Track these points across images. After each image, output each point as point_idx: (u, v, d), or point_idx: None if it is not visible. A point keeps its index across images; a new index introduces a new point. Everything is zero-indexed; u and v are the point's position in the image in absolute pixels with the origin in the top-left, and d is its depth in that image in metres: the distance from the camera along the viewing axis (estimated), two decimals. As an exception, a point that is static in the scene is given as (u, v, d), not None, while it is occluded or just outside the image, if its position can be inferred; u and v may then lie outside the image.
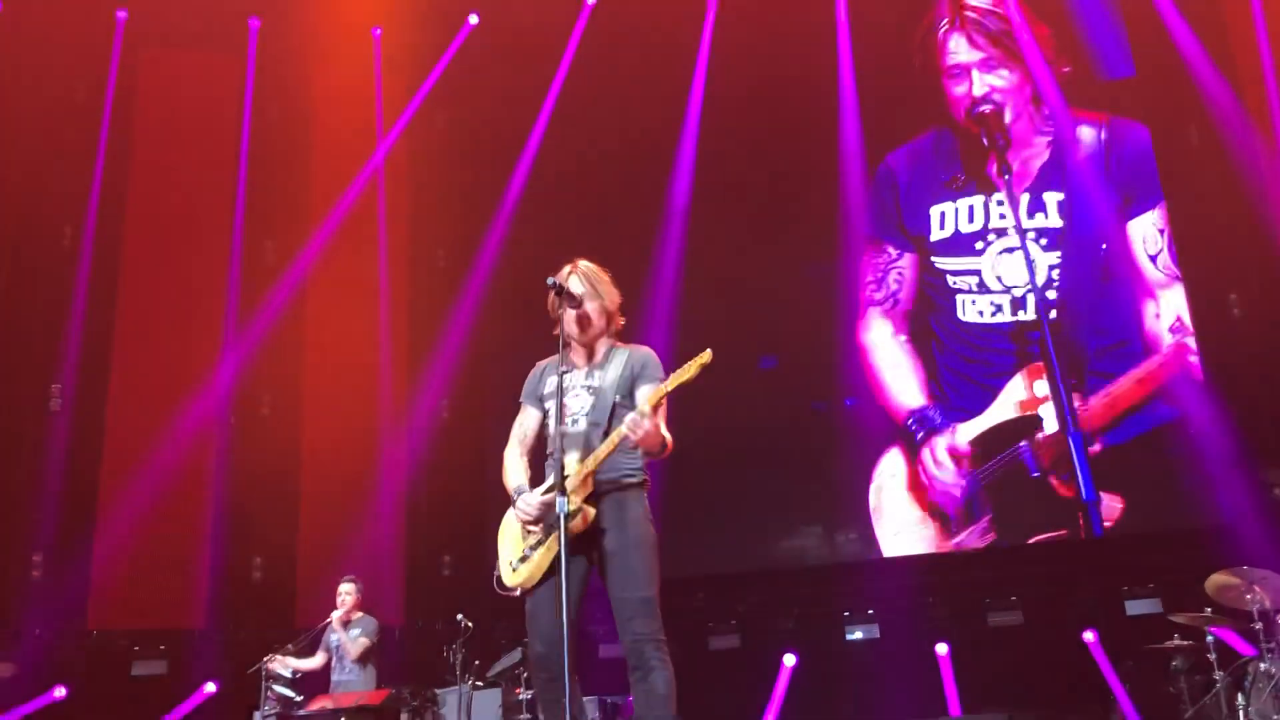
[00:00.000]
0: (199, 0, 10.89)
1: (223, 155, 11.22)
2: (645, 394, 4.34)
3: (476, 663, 8.47)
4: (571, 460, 4.27)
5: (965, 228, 10.09)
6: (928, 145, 10.53)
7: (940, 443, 9.70)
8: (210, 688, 9.91)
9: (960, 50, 10.41)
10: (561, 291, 4.39)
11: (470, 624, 8.40)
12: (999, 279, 9.89)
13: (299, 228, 11.25)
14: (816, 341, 10.23)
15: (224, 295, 10.97)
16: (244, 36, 11.25)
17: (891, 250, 10.38)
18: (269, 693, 7.97)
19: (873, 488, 9.92)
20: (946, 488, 9.58)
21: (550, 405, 4.43)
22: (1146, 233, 9.65)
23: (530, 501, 4.32)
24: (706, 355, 4.19)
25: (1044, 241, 9.80)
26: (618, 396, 4.38)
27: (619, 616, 4.24)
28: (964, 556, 9.45)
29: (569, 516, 4.12)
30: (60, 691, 9.60)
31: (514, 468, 4.51)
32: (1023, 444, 9.48)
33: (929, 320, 10.18)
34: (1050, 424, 9.42)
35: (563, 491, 4.09)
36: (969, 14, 10.46)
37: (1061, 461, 9.28)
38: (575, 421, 4.37)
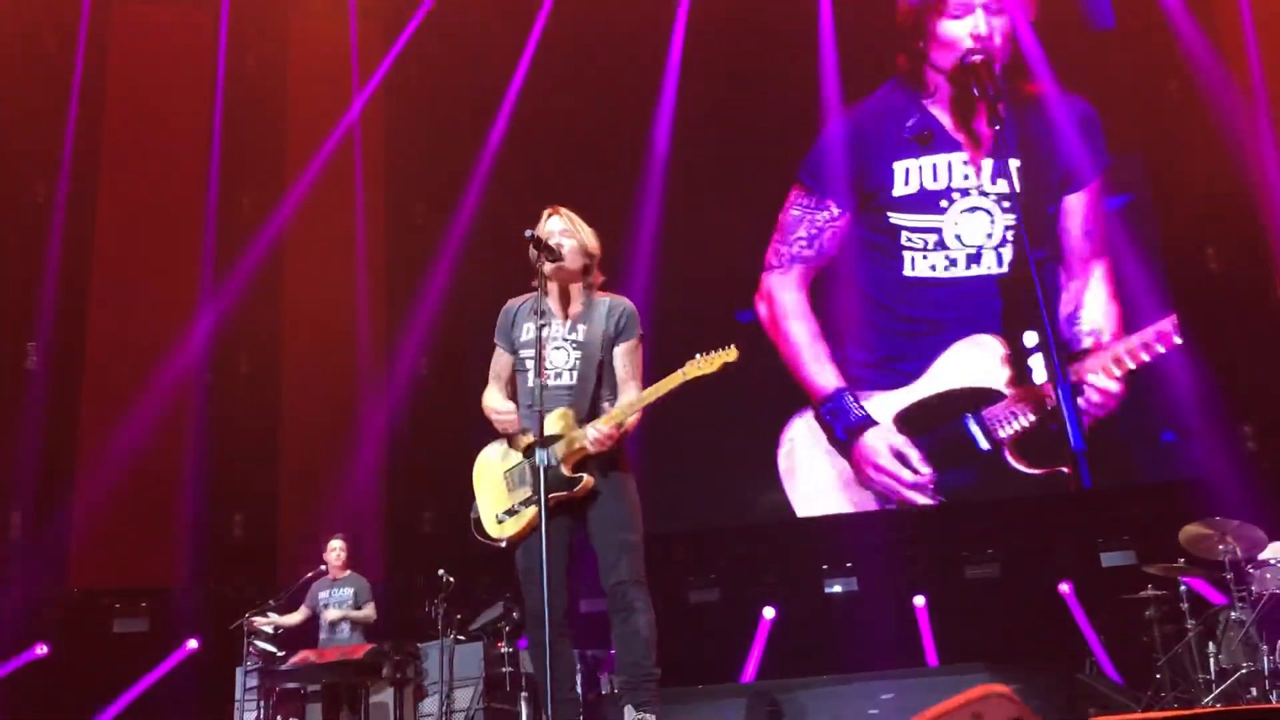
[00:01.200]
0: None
1: (197, 108, 11.10)
2: (626, 352, 4.34)
3: (459, 617, 8.49)
4: (554, 417, 4.23)
5: (930, 185, 9.96)
6: (890, 98, 10.36)
7: (877, 443, 9.61)
8: (192, 644, 9.93)
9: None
10: (540, 244, 4.30)
11: (451, 579, 8.40)
12: (958, 237, 9.81)
13: (275, 182, 11.16)
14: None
15: (200, 251, 10.88)
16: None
17: (834, 208, 10.25)
18: (251, 649, 7.99)
19: (781, 452, 9.94)
20: (889, 487, 9.59)
21: (525, 354, 4.36)
22: (1084, 210, 9.66)
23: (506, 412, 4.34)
24: (732, 353, 4.19)
25: (1006, 205, 9.73)
26: (602, 355, 4.35)
27: (603, 562, 4.24)
28: (941, 510, 9.51)
29: (572, 484, 4.17)
30: (42, 649, 9.63)
31: (498, 397, 4.47)
32: (966, 416, 9.45)
33: (858, 279, 10.05)
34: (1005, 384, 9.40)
35: (544, 444, 4.09)
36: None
37: (1030, 426, 9.26)
38: (559, 375, 4.31)
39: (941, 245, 9.79)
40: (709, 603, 10.00)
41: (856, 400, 9.73)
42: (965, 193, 9.84)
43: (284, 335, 11.04)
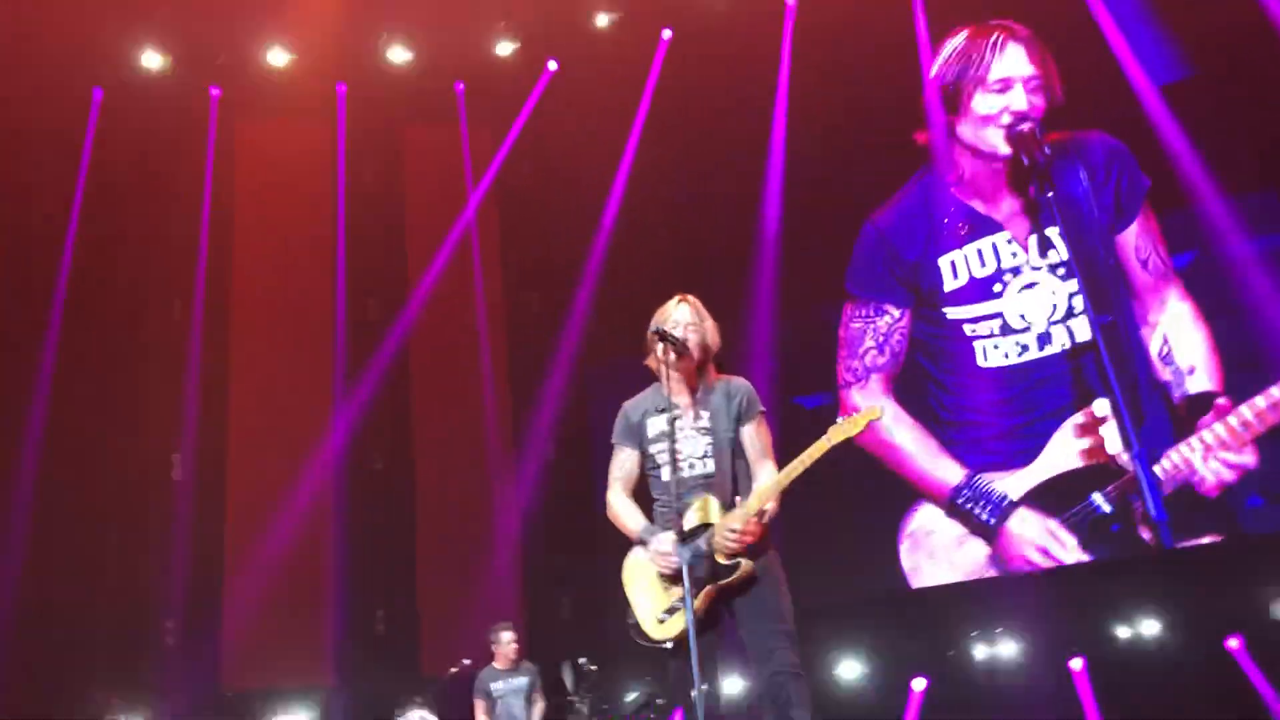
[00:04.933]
0: (288, 70, 11.20)
1: (321, 218, 11.51)
2: (752, 432, 4.35)
3: (605, 708, 8.47)
4: (697, 506, 4.23)
5: (979, 272, 9.72)
6: (916, 193, 10.19)
7: (1029, 523, 9.24)
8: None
9: (1017, 63, 9.80)
10: (666, 337, 4.31)
11: (594, 667, 8.41)
12: (1021, 316, 9.51)
13: (399, 283, 11.52)
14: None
15: (331, 354, 11.22)
16: (333, 101, 11.53)
17: (892, 310, 10.07)
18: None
19: (903, 548, 9.74)
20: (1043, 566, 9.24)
21: (655, 449, 4.38)
22: (1136, 241, 9.30)
23: (666, 549, 4.21)
24: (877, 411, 4.24)
25: (1061, 271, 9.38)
26: (731, 436, 4.34)
27: (758, 650, 4.17)
28: (1092, 568, 9.19)
29: (731, 570, 4.13)
30: (200, 754, 9.82)
31: (628, 510, 4.44)
32: (1091, 495, 9.09)
33: (927, 378, 9.89)
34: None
35: (685, 540, 4.08)
36: (1021, 31, 9.96)
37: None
38: (692, 466, 4.30)
39: (1008, 330, 9.56)
40: (856, 676, 9.77)
41: (989, 483, 9.54)
42: (1017, 270, 9.59)
43: (415, 431, 11.27)
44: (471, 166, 11.81)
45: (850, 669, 9.77)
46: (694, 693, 3.84)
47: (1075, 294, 9.29)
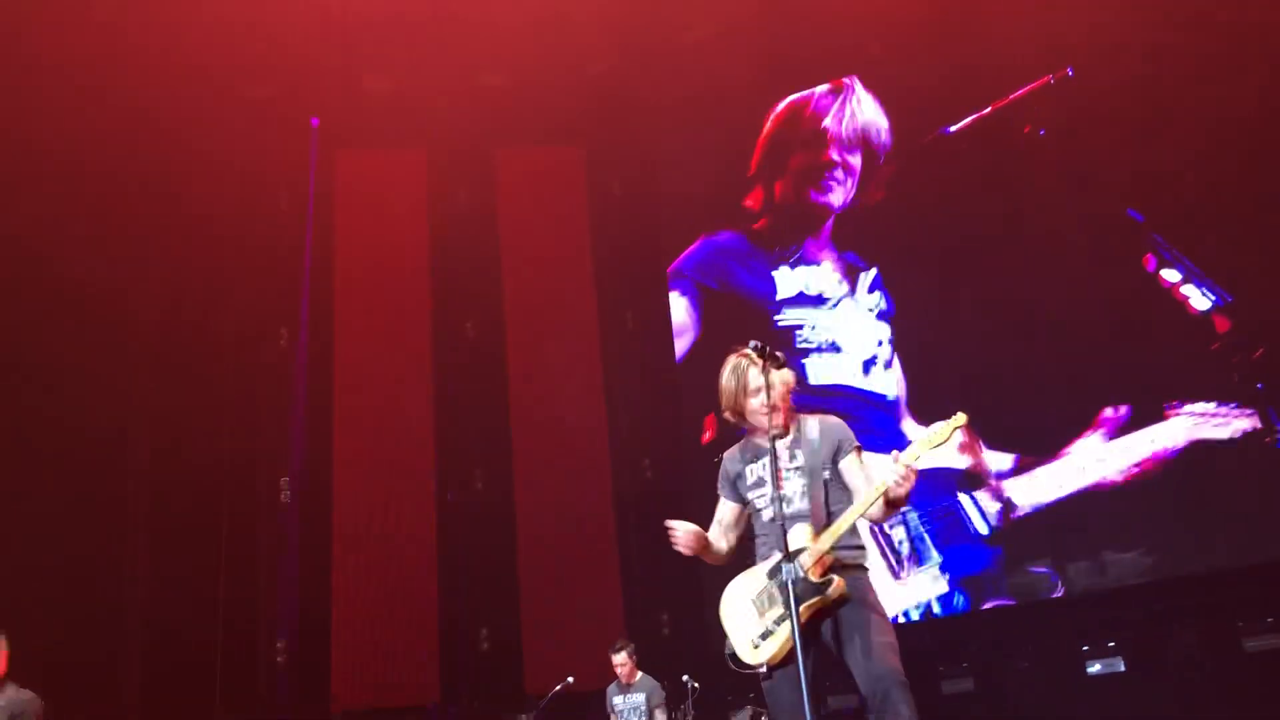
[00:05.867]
0: (383, 100, 11.43)
1: (417, 241, 11.72)
2: (853, 463, 4.39)
3: (708, 726, 8.48)
4: (794, 533, 4.27)
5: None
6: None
7: None
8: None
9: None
10: (766, 353, 4.34)
11: (696, 684, 8.44)
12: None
13: (495, 304, 11.66)
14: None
15: (429, 377, 11.39)
16: (426, 129, 11.74)
17: None
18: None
19: None
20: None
21: (755, 495, 4.47)
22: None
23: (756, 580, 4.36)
24: (961, 418, 4.21)
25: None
26: (827, 474, 4.40)
27: (860, 665, 4.16)
28: (1211, 577, 8.97)
29: (823, 588, 4.16)
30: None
31: (719, 548, 4.58)
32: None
33: None
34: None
35: (789, 558, 4.13)
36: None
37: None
38: (789, 502, 4.36)
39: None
40: (964, 693, 9.65)
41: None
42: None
43: (515, 449, 11.39)
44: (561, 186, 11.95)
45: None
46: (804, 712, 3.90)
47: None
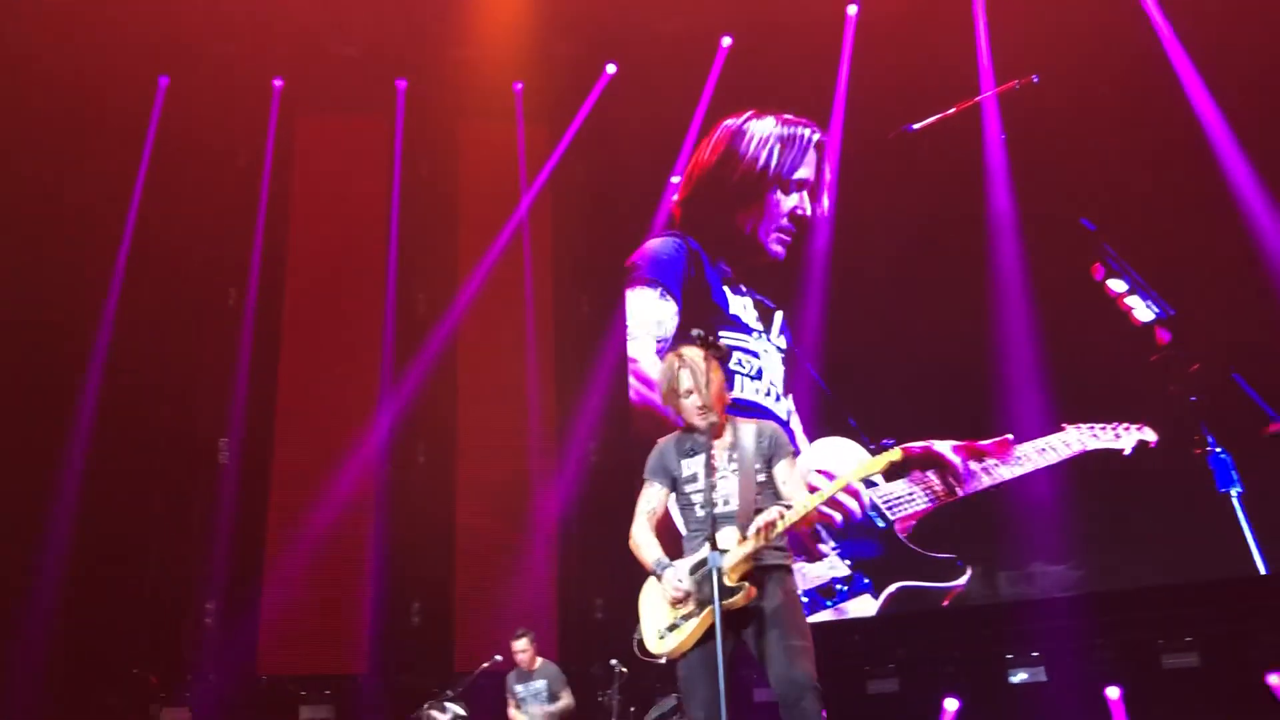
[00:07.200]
0: (349, 66, 11.35)
1: (375, 211, 11.64)
2: (785, 469, 4.51)
3: (631, 709, 8.48)
4: (726, 535, 4.35)
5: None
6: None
7: None
8: (375, 732, 10.12)
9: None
10: (708, 343, 4.51)
11: (624, 670, 8.45)
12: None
13: (449, 279, 11.59)
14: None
15: (379, 348, 11.32)
16: (392, 98, 11.66)
17: None
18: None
19: None
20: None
21: (691, 487, 4.55)
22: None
23: (679, 579, 4.41)
24: (897, 454, 4.39)
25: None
26: (761, 477, 4.50)
27: (774, 666, 4.27)
28: (1130, 595, 8.99)
29: (731, 592, 4.25)
30: (232, 736, 9.96)
31: (648, 542, 4.63)
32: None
33: None
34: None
35: (714, 546, 4.21)
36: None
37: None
38: (726, 502, 4.44)
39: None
40: (888, 694, 9.65)
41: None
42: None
43: (459, 426, 11.34)
44: (526, 167, 11.86)
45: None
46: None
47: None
